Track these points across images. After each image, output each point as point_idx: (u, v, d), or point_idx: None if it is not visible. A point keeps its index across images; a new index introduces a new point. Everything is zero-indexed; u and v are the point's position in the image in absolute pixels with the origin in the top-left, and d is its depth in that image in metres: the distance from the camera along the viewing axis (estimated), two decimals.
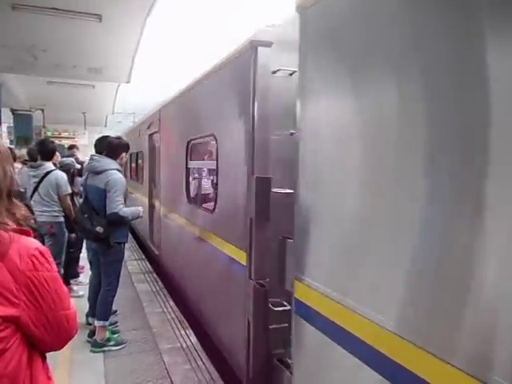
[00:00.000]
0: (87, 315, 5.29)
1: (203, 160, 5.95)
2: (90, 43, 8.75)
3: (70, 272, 6.64)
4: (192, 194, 5.91)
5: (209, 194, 5.68)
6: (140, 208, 5.22)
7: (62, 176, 6.01)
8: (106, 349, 4.79)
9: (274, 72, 3.41)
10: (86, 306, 5.28)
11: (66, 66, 10.36)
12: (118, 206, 4.58)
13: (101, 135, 5.70)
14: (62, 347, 1.61)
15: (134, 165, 11.44)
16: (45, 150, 6.03)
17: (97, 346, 4.79)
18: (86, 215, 4.75)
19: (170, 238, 7.14)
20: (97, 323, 4.83)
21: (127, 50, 9.13)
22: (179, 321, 5.71)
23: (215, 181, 4.70)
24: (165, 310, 6.12)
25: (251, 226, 3.46)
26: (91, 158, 5.03)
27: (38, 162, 5.98)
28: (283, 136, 3.40)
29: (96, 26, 7.63)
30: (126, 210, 4.72)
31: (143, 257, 9.57)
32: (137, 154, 10.57)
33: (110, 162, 4.85)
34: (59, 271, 5.67)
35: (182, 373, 4.33)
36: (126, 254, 9.20)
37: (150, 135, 8.75)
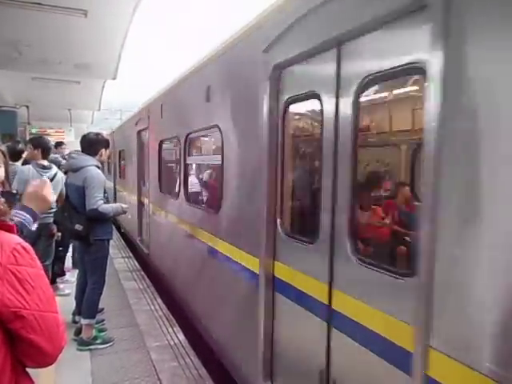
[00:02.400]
0: (74, 313, 5.26)
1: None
2: (76, 39, 8.62)
3: (56, 271, 6.58)
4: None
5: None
6: (122, 204, 5.17)
7: (63, 176, 5.89)
8: (92, 347, 4.76)
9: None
10: (73, 305, 5.24)
11: (51, 61, 10.20)
12: (97, 202, 4.54)
13: (86, 132, 5.63)
14: (56, 356, 1.53)
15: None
16: (46, 148, 5.90)
17: (83, 344, 4.76)
18: (65, 214, 4.71)
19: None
20: (83, 321, 4.79)
21: (113, 46, 9.02)
22: (167, 318, 5.69)
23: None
24: (152, 307, 6.09)
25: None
26: (69, 156, 4.99)
27: (47, 164, 5.83)
28: None
29: (81, 22, 7.52)
30: (106, 207, 4.67)
31: (130, 255, 9.52)
32: None
33: (88, 158, 4.79)
34: (47, 271, 5.60)
35: (170, 370, 4.32)
36: (113, 251, 9.18)
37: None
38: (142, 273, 7.97)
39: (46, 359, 1.51)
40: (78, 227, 4.55)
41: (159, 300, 6.42)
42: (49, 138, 6.47)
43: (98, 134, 5.10)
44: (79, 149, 5.21)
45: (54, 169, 5.87)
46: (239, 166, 3.80)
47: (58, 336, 1.50)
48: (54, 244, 5.99)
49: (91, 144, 4.90)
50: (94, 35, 8.37)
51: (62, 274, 6.96)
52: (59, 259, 6.72)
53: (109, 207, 4.74)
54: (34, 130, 18.09)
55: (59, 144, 8.78)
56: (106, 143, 5.07)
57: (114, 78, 11.65)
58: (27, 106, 16.62)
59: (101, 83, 13.39)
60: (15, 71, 11.34)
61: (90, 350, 4.74)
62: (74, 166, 4.78)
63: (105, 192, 4.84)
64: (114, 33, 8.27)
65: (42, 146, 5.84)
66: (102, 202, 4.58)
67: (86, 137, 4.99)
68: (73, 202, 4.69)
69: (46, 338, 1.45)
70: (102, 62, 10.28)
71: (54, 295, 1.54)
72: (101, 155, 4.97)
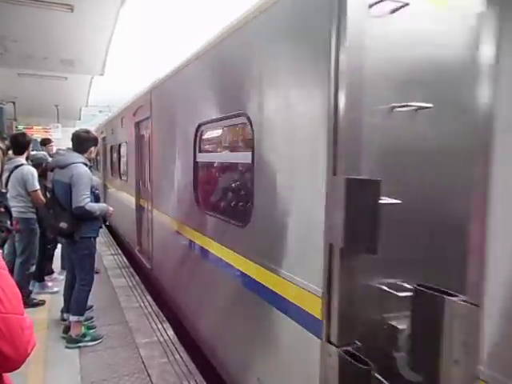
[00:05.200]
0: (62, 311, 5.23)
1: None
2: (62, 34, 8.55)
3: (44, 268, 6.53)
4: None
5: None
6: (110, 208, 5.13)
7: (29, 171, 5.77)
8: (81, 344, 4.74)
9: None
10: (62, 302, 5.22)
11: (37, 57, 10.11)
12: (84, 199, 4.48)
13: (76, 129, 5.58)
14: (21, 361, 1.41)
15: None
16: (16, 144, 5.88)
17: (72, 341, 4.74)
18: (51, 210, 4.67)
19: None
20: (71, 318, 4.77)
21: (100, 41, 8.97)
22: (156, 315, 5.69)
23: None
24: (141, 304, 6.08)
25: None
26: (57, 153, 4.94)
27: (9, 156, 5.81)
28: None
29: (67, 17, 7.47)
30: (93, 205, 4.61)
31: (119, 252, 9.47)
32: None
33: (76, 155, 4.74)
34: (28, 269, 5.47)
35: (159, 366, 4.33)
36: (102, 249, 9.15)
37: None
38: (131, 270, 7.94)
39: (9, 364, 1.39)
40: (63, 225, 4.50)
41: (148, 297, 6.40)
42: (30, 135, 6.43)
43: (87, 132, 5.04)
44: (66, 146, 5.17)
45: (16, 162, 5.74)
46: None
47: (22, 340, 1.39)
48: (31, 241, 5.83)
49: (81, 141, 4.85)
50: (81, 30, 8.31)
51: (51, 271, 6.90)
52: (48, 257, 6.68)
53: (95, 206, 4.67)
54: (20, 127, 17.89)
55: (47, 142, 8.52)
56: (95, 141, 5.02)
57: (102, 74, 11.58)
58: (14, 103, 16.46)
59: (88, 79, 13.30)
60: (1, 67, 11.21)
61: (78, 347, 4.71)
62: (61, 163, 4.73)
63: (95, 189, 4.81)
64: (100, 28, 8.22)
65: (11, 143, 5.91)
66: (88, 199, 4.53)
67: (76, 134, 4.95)
68: (59, 199, 4.65)
69: (8, 341, 1.34)
70: (88, 57, 10.22)
71: (19, 296, 1.44)
72: (90, 153, 4.91)
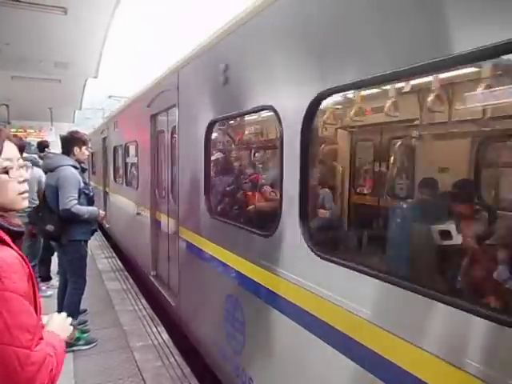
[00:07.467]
0: None
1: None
2: (56, 37, 8.52)
3: (40, 272, 6.49)
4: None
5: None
6: (101, 211, 5.09)
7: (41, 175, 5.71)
8: (75, 348, 4.70)
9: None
10: (55, 306, 5.17)
11: (31, 59, 10.06)
12: (69, 202, 4.44)
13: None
14: None
15: None
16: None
17: (65, 345, 4.69)
18: (40, 214, 4.64)
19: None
20: None
21: (94, 43, 8.94)
22: (150, 318, 5.66)
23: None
24: (136, 307, 6.05)
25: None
26: (46, 156, 4.92)
27: None
28: None
29: (61, 19, 7.43)
30: (80, 208, 4.55)
31: (114, 255, 9.43)
32: None
33: (63, 158, 4.73)
34: (35, 272, 5.43)
35: (154, 370, 4.30)
36: (96, 252, 9.10)
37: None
38: (126, 273, 7.90)
39: None
40: (50, 228, 4.47)
41: (143, 300, 6.37)
42: (26, 138, 6.39)
43: (71, 133, 5.00)
44: (59, 149, 5.15)
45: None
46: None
47: (21, 376, 1.17)
48: (41, 245, 5.83)
49: (64, 143, 4.85)
50: (74, 33, 8.28)
51: (48, 277, 6.83)
52: (46, 261, 6.63)
53: (84, 209, 4.62)
54: (13, 130, 17.81)
55: (45, 147, 8.10)
56: (80, 141, 4.88)
57: (96, 77, 11.55)
58: (7, 105, 16.37)
59: (82, 82, 13.25)
60: None
61: (72, 351, 4.67)
62: (50, 166, 4.73)
63: (88, 190, 4.78)
64: (94, 30, 8.20)
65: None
66: (75, 202, 4.49)
67: (61, 136, 4.97)
68: (49, 202, 4.63)
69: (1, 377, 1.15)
70: (82, 60, 10.19)
71: (28, 326, 1.23)
72: (74, 154, 4.82)
